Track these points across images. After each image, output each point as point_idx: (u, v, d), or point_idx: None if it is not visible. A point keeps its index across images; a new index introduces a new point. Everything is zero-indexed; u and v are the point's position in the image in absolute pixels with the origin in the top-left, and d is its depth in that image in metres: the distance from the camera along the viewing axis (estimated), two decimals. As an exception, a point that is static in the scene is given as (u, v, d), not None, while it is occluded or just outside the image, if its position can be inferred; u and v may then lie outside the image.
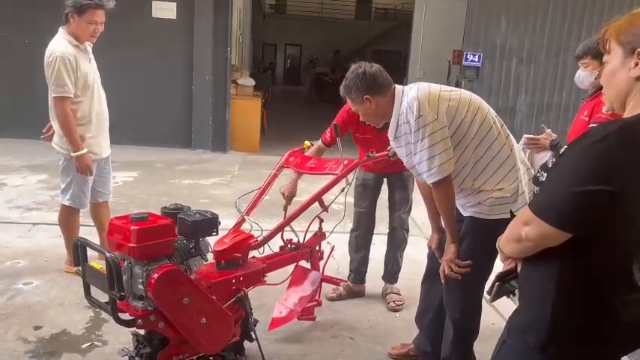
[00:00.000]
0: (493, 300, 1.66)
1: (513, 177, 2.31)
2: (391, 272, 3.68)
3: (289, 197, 3.19)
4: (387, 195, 3.63)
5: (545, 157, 2.96)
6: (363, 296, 3.65)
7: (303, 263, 3.11)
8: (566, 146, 1.40)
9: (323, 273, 3.21)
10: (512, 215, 2.30)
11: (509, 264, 1.60)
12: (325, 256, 3.22)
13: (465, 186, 2.34)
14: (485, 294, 2.30)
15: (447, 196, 2.29)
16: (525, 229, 1.38)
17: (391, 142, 2.47)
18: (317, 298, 3.16)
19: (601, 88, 2.71)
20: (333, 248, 3.28)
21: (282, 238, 2.95)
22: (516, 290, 1.61)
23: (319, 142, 3.35)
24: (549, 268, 1.40)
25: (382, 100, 2.39)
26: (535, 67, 8.93)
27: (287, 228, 2.88)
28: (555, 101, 9.01)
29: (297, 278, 3.09)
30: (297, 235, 3.02)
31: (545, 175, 1.41)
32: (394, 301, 3.53)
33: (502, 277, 1.60)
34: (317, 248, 3.14)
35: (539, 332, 1.38)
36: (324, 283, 3.32)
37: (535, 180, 1.45)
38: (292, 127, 10.84)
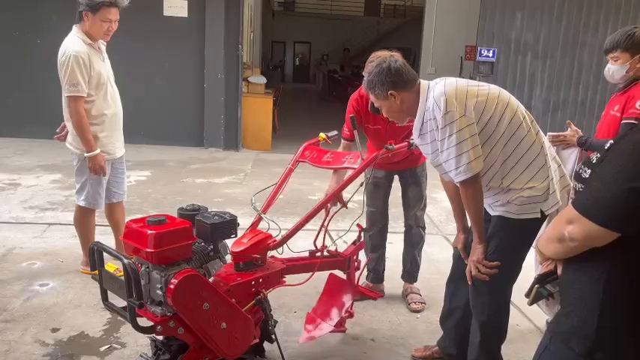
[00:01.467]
0: (531, 303, 1.59)
1: (544, 175, 2.22)
2: (410, 272, 3.61)
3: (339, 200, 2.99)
4: (401, 193, 3.56)
5: (573, 154, 2.88)
6: (382, 296, 3.57)
7: (337, 272, 2.97)
8: (611, 141, 1.33)
9: (358, 284, 3.06)
10: (543, 215, 2.25)
11: (548, 266, 1.53)
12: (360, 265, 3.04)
13: (494, 184, 2.26)
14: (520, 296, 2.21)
15: (476, 195, 2.21)
16: (569, 229, 1.31)
17: (416, 140, 2.39)
18: (350, 309, 3.00)
19: (632, 81, 2.67)
20: (369, 259, 3.16)
21: (314, 243, 2.79)
22: (555, 293, 1.54)
23: (343, 141, 3.25)
24: (595, 270, 1.33)
25: (407, 96, 2.29)
26: (551, 62, 8.80)
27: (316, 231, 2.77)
28: (571, 97, 8.89)
29: (331, 289, 2.96)
30: (332, 240, 2.82)
31: (589, 171, 1.34)
32: (415, 302, 3.46)
33: (541, 280, 1.53)
34: (354, 258, 2.97)
35: (586, 338, 1.32)
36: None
37: (577, 176, 1.38)
38: (304, 125, 10.77)
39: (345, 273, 2.96)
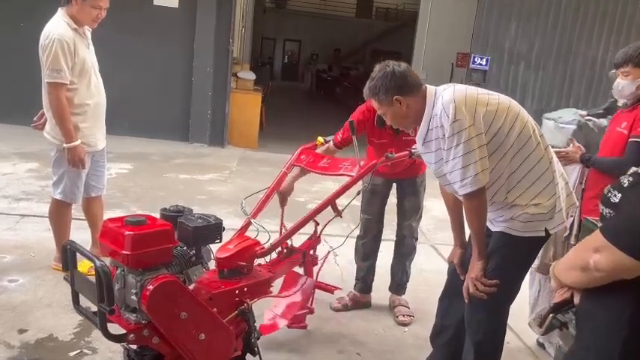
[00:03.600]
0: (545, 333, 1.48)
1: (551, 192, 2.11)
2: (400, 283, 3.49)
3: (283, 194, 2.94)
4: (397, 202, 3.43)
5: (574, 171, 2.78)
6: (369, 307, 3.45)
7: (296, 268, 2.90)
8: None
9: (317, 280, 2.97)
10: (547, 234, 2.14)
11: (564, 294, 1.41)
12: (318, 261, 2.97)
13: (498, 199, 2.14)
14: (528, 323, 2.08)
15: (480, 209, 2.10)
16: (595, 257, 1.19)
17: (419, 148, 2.26)
18: (309, 305, 2.94)
19: (641, 98, 2.57)
20: (328, 253, 3.01)
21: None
22: (569, 324, 1.42)
23: (330, 143, 3.12)
24: (618, 303, 1.21)
25: (413, 101, 2.17)
26: (543, 73, 8.79)
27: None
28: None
29: (288, 284, 2.89)
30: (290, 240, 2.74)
31: (619, 195, 1.22)
32: (403, 315, 3.33)
33: (556, 309, 1.41)
34: (311, 252, 2.90)
35: None
36: (326, 293, 3.10)
37: (605, 200, 1.26)
38: (291, 124, 10.64)
39: (300, 267, 2.88)
